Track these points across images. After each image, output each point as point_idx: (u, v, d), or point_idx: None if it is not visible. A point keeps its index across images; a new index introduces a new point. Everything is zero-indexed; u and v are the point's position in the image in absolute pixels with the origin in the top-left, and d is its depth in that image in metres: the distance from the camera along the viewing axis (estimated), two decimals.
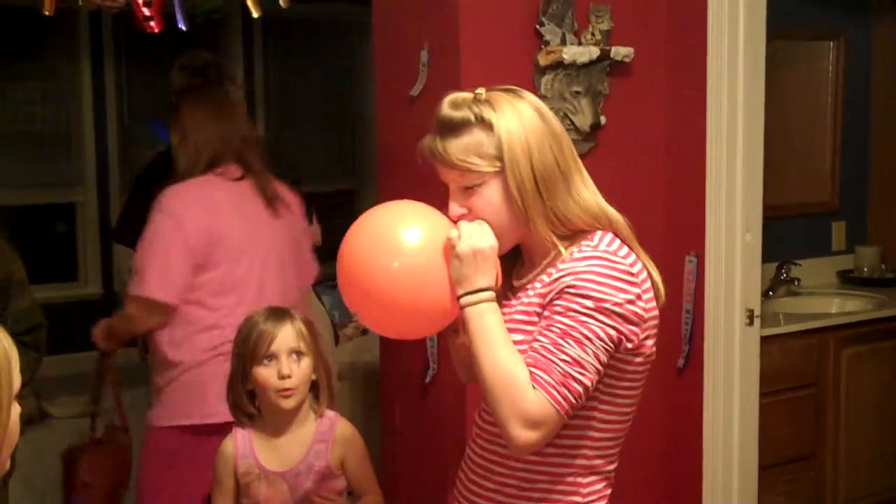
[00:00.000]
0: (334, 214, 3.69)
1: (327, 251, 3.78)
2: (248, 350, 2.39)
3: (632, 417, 1.83)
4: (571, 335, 1.66)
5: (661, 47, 3.35)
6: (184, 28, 3.23)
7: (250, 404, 2.43)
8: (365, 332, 5.07)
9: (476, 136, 1.73)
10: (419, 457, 3.51)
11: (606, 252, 1.72)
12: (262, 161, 3.14)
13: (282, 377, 2.35)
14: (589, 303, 1.67)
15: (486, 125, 1.73)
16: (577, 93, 3.15)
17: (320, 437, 2.43)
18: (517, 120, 1.73)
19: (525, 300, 1.78)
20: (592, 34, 3.18)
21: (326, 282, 5.75)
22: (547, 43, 3.10)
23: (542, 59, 3.09)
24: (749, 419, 3.33)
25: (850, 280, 4.40)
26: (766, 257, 3.51)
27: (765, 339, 3.40)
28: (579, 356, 1.66)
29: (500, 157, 1.73)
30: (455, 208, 1.79)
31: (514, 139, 1.72)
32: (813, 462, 3.75)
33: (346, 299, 1.82)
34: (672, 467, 3.51)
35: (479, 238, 1.72)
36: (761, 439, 3.39)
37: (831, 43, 4.35)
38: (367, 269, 1.74)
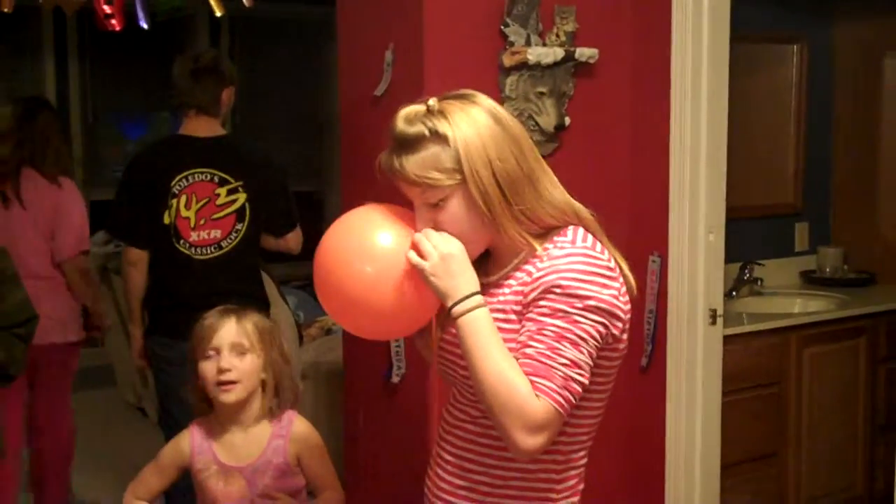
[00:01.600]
0: (300, 216, 3.68)
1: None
2: (194, 345, 2.42)
3: (603, 412, 1.84)
4: (567, 337, 1.65)
5: (625, 49, 3.37)
6: (145, 26, 3.20)
7: (203, 400, 2.44)
8: (329, 332, 5.07)
9: (432, 151, 1.71)
10: (383, 455, 3.50)
11: (585, 248, 1.71)
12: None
13: (220, 371, 2.35)
14: (577, 302, 1.66)
15: (441, 138, 1.70)
16: (542, 93, 3.15)
17: (278, 433, 2.43)
18: (473, 128, 1.70)
19: (501, 298, 1.77)
20: (557, 35, 3.19)
21: (291, 282, 5.77)
22: (511, 44, 3.11)
23: (507, 60, 3.09)
24: (711, 418, 3.35)
25: (812, 280, 4.44)
26: (730, 258, 3.54)
27: (727, 339, 3.42)
28: (576, 357, 1.65)
29: (459, 170, 1.70)
30: (422, 225, 1.76)
31: (471, 149, 1.70)
32: (775, 460, 3.77)
33: (323, 304, 1.81)
34: (635, 466, 3.52)
35: (443, 245, 1.71)
36: (724, 438, 3.41)
37: (794, 46, 4.38)
38: (342, 274, 1.74)
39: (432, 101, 1.75)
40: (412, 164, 1.71)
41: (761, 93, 4.33)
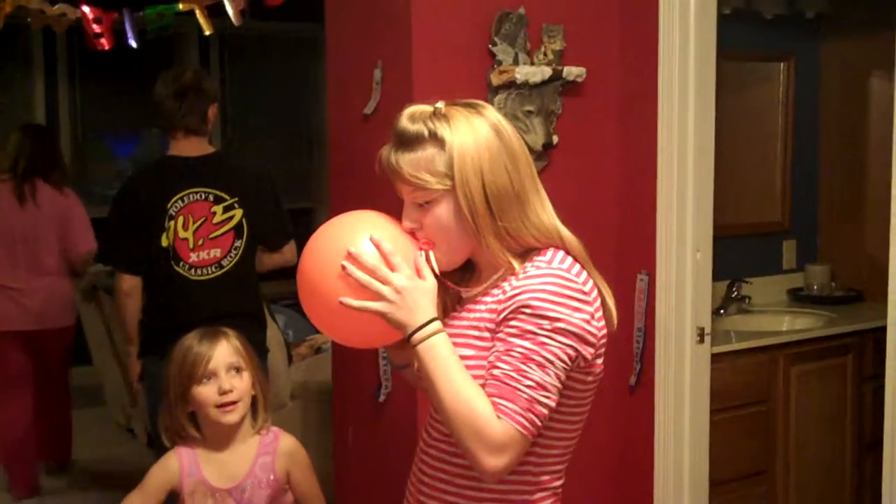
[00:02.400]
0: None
1: (281, 270, 3.78)
2: (185, 372, 2.39)
3: (578, 435, 1.83)
4: (533, 359, 1.64)
5: (613, 67, 3.38)
6: (134, 45, 3.22)
7: (191, 426, 2.42)
8: (318, 351, 5.06)
9: (428, 152, 1.71)
10: (372, 475, 3.50)
11: (560, 270, 1.70)
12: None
13: (223, 392, 2.35)
14: (546, 323, 1.65)
15: (438, 142, 1.71)
16: (530, 112, 3.16)
17: (265, 450, 2.43)
18: (471, 137, 1.71)
19: (476, 314, 1.76)
20: (545, 54, 3.20)
21: (280, 301, 5.75)
22: (499, 62, 3.12)
23: (495, 79, 3.11)
24: (700, 436, 3.35)
25: (800, 298, 4.45)
26: (718, 275, 3.54)
27: (716, 357, 3.42)
28: (542, 379, 1.64)
29: (450, 175, 1.70)
30: (408, 223, 1.77)
31: (465, 157, 1.70)
32: (763, 478, 3.77)
33: (307, 311, 1.80)
34: (624, 484, 3.52)
35: (396, 279, 1.69)
36: (712, 456, 3.41)
37: (781, 64, 4.41)
38: (325, 280, 1.73)
39: (440, 104, 1.76)
40: (406, 161, 1.72)
41: (749, 111, 4.35)
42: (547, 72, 3.15)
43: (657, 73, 3.24)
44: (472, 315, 1.77)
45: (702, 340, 3.29)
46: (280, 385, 4.27)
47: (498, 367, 1.66)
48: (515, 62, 3.14)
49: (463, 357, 1.71)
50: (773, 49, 4.40)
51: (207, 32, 3.22)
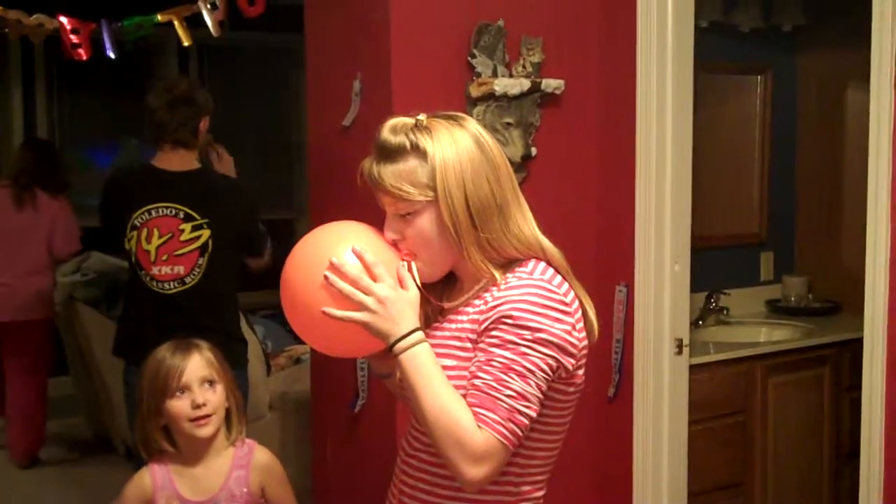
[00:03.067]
0: (272, 244, 3.70)
1: (260, 281, 3.78)
2: (158, 386, 2.37)
3: (560, 445, 1.83)
4: (514, 369, 1.64)
5: (591, 80, 3.40)
6: (112, 56, 3.20)
7: (164, 440, 2.41)
8: (297, 361, 5.05)
9: (410, 164, 1.72)
10: (350, 486, 3.49)
11: (542, 281, 1.71)
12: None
13: (196, 406, 2.34)
14: (527, 334, 1.66)
15: (420, 153, 1.71)
16: (509, 124, 3.17)
17: (238, 463, 2.42)
18: (453, 149, 1.71)
19: (457, 325, 1.76)
20: (524, 66, 3.21)
21: (258, 312, 5.74)
22: (478, 74, 3.13)
23: (474, 91, 3.11)
24: (678, 447, 3.36)
25: (778, 309, 4.47)
26: (696, 287, 3.55)
27: (694, 368, 3.43)
28: (524, 389, 1.65)
29: (432, 187, 1.71)
30: (390, 234, 1.77)
31: (448, 169, 1.70)
32: (741, 489, 3.78)
33: (290, 320, 1.80)
34: (603, 495, 3.52)
35: (378, 289, 1.69)
36: (690, 467, 3.42)
37: (758, 77, 4.43)
38: (307, 290, 1.73)
39: (422, 116, 1.77)
40: (389, 173, 1.72)
41: (726, 123, 4.37)
42: (526, 84, 3.16)
43: (635, 86, 3.26)
44: (453, 326, 1.78)
45: (680, 352, 3.30)
46: (258, 396, 4.26)
47: (479, 378, 1.66)
48: (494, 74, 3.15)
49: (444, 367, 1.71)
50: (751, 62, 4.43)
51: (186, 43, 3.20)
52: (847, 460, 3.99)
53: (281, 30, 5.06)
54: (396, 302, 1.70)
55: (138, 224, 3.39)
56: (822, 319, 4.30)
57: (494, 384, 1.65)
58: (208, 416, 2.36)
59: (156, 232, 3.38)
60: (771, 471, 3.84)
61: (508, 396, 1.64)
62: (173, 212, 3.39)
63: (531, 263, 1.75)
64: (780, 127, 4.50)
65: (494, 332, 1.68)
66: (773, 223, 4.54)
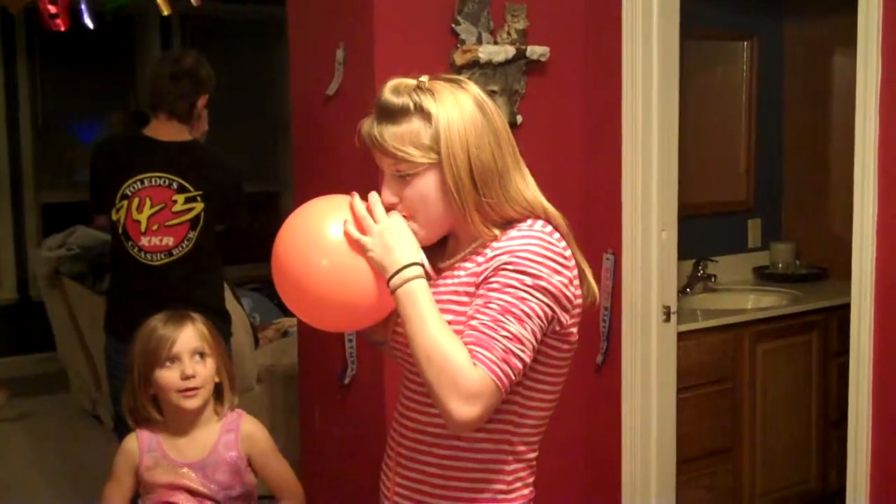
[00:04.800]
0: (257, 217, 3.67)
1: (248, 254, 3.77)
2: (148, 355, 2.38)
3: (554, 406, 1.82)
4: (512, 311, 1.64)
5: (577, 46, 3.37)
6: (91, 26, 3.16)
7: (153, 409, 2.40)
8: (284, 334, 5.04)
9: (413, 126, 1.71)
10: (340, 457, 3.49)
11: (542, 233, 1.71)
12: None
13: (185, 377, 2.34)
14: (528, 279, 1.65)
15: (424, 115, 1.71)
16: (494, 92, 3.15)
17: (227, 428, 2.43)
18: (457, 113, 1.71)
19: (455, 280, 1.76)
20: (508, 33, 3.19)
21: (246, 285, 5.73)
22: (463, 42, 3.10)
23: (459, 59, 3.09)
24: (667, 414, 3.36)
25: (765, 276, 4.47)
26: (684, 255, 3.55)
27: (682, 335, 3.43)
28: (520, 332, 1.64)
29: (435, 149, 1.70)
30: (388, 195, 1.76)
31: (452, 132, 1.70)
32: (730, 455, 3.80)
33: (283, 299, 1.79)
34: (592, 462, 3.53)
35: (382, 219, 1.71)
36: (679, 434, 3.42)
37: (745, 43, 4.41)
38: (298, 269, 1.72)
39: (424, 78, 1.76)
40: (391, 134, 1.71)
41: (713, 90, 4.36)
42: (510, 51, 3.14)
43: (621, 52, 3.24)
44: (450, 282, 1.77)
45: (668, 319, 3.30)
46: (247, 369, 4.25)
47: (476, 318, 1.66)
48: (479, 42, 3.12)
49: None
50: (737, 28, 4.41)
51: (165, 13, 3.16)
52: (835, 426, 4.01)
53: (264, 1, 5.02)
54: (397, 231, 1.71)
55: (129, 193, 3.36)
56: (810, 285, 4.31)
57: (492, 324, 1.64)
58: (196, 388, 2.36)
59: (148, 201, 3.35)
60: (759, 437, 3.85)
61: (504, 337, 1.63)
62: (167, 182, 3.36)
63: (530, 220, 1.75)
64: (766, 93, 4.49)
65: (494, 279, 1.68)
66: (760, 190, 4.54)
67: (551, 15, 3.29)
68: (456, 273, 1.78)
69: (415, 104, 1.71)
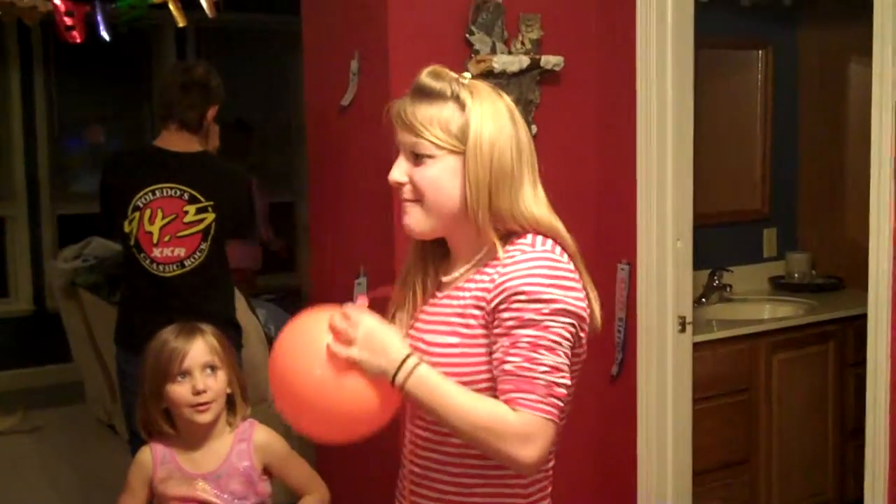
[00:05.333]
0: (274, 227, 3.68)
1: (268, 265, 3.78)
2: (160, 369, 2.36)
3: (567, 415, 1.82)
4: (541, 344, 1.64)
5: (591, 56, 3.37)
6: (107, 38, 3.18)
7: (165, 422, 2.40)
8: None
9: (446, 111, 1.72)
10: (354, 467, 3.48)
11: (545, 252, 1.71)
12: None
13: (196, 392, 2.33)
14: (544, 307, 1.65)
15: (459, 104, 1.72)
16: None
17: (240, 438, 2.42)
18: (491, 112, 1.73)
19: (459, 301, 1.75)
20: (522, 43, 3.19)
21: (261, 295, 5.73)
22: (477, 52, 3.10)
23: (473, 68, 3.09)
24: (682, 425, 3.35)
25: (781, 286, 4.45)
26: (699, 264, 3.54)
27: (697, 346, 3.42)
28: (555, 362, 1.65)
29: (461, 139, 1.71)
30: (397, 173, 1.76)
31: (483, 127, 1.71)
32: (747, 467, 3.78)
33: (283, 413, 1.78)
34: (607, 473, 3.51)
35: (359, 324, 1.69)
36: (695, 445, 3.41)
37: (759, 52, 4.40)
38: (293, 380, 1.72)
39: (467, 74, 1.80)
40: (422, 112, 1.72)
41: (728, 99, 4.35)
42: (525, 61, 3.14)
43: (635, 61, 3.23)
44: (454, 302, 1.76)
45: (683, 329, 3.29)
46: (261, 379, 4.23)
47: (508, 361, 1.66)
48: (493, 51, 3.12)
49: (447, 345, 1.72)
50: (752, 37, 4.40)
51: (181, 24, 3.18)
52: (852, 437, 3.98)
53: (279, 11, 5.03)
54: (377, 330, 1.69)
55: (141, 205, 3.36)
56: (826, 295, 4.29)
57: (526, 364, 1.64)
58: (208, 402, 2.35)
59: (160, 213, 3.36)
60: (776, 448, 3.83)
61: (543, 373, 1.64)
62: (178, 192, 3.37)
63: (529, 236, 1.75)
64: (781, 102, 4.47)
65: (509, 313, 1.67)
66: (775, 199, 4.52)
67: (565, 25, 3.29)
68: (459, 294, 1.77)
69: (452, 92, 1.73)
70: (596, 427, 3.46)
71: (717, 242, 4.23)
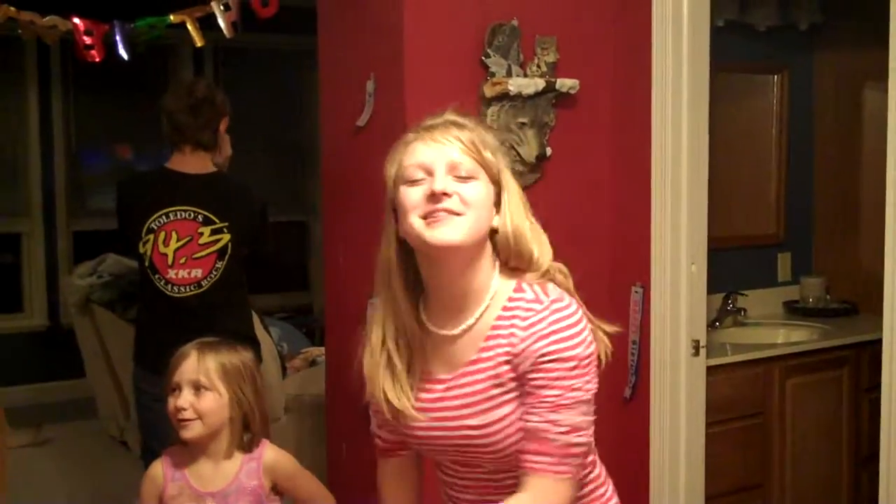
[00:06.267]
0: (286, 246, 3.69)
1: (277, 283, 3.79)
2: (166, 380, 2.41)
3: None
4: (562, 404, 1.68)
5: (606, 79, 3.38)
6: (126, 57, 3.20)
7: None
8: (312, 363, 5.05)
9: (489, 140, 1.76)
10: (366, 488, 3.47)
11: (557, 303, 1.71)
12: None
13: (175, 408, 2.35)
14: (570, 364, 1.68)
15: (492, 147, 1.77)
16: (523, 124, 3.16)
17: (250, 457, 2.42)
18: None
19: (489, 372, 1.73)
20: (538, 66, 3.19)
21: (275, 314, 5.74)
22: (493, 74, 3.11)
23: (488, 91, 3.10)
24: (695, 449, 3.33)
25: (795, 310, 4.43)
26: (713, 288, 3.53)
27: (711, 370, 3.41)
28: (574, 422, 1.68)
29: (500, 170, 1.75)
30: (445, 183, 1.69)
31: (505, 164, 1.78)
32: (759, 492, 3.75)
33: None
34: (619, 497, 3.49)
35: None
36: (708, 469, 3.39)
37: (775, 76, 4.40)
38: None
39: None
40: (467, 136, 1.73)
41: (743, 123, 4.35)
42: (540, 83, 3.15)
43: (650, 85, 3.24)
44: (485, 374, 1.74)
45: (697, 353, 3.28)
46: (274, 398, 4.25)
47: (531, 422, 1.69)
48: (508, 74, 3.13)
49: (504, 416, 1.72)
50: (767, 61, 4.40)
51: (199, 44, 3.20)
52: (866, 463, 3.95)
53: (297, 31, 5.06)
54: None
55: (155, 228, 3.37)
56: (841, 320, 4.27)
57: (545, 426, 1.68)
58: (189, 420, 2.36)
59: (174, 235, 3.37)
60: (789, 473, 3.81)
61: (560, 433, 1.67)
62: (192, 215, 3.38)
63: (528, 290, 1.74)
64: (797, 126, 4.47)
65: (536, 375, 1.69)
66: (790, 224, 4.51)
67: (581, 48, 3.30)
68: (484, 364, 1.74)
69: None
70: (608, 449, 3.43)
71: (732, 266, 4.22)
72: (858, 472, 3.99)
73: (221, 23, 3.36)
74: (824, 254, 4.60)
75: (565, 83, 3.21)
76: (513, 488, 1.73)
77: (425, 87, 3.04)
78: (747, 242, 4.39)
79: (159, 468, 2.44)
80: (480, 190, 1.71)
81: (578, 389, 1.68)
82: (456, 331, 1.76)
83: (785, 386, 3.78)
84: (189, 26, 3.39)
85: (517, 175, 1.88)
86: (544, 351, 1.67)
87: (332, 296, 3.71)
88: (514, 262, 1.76)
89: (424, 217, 1.68)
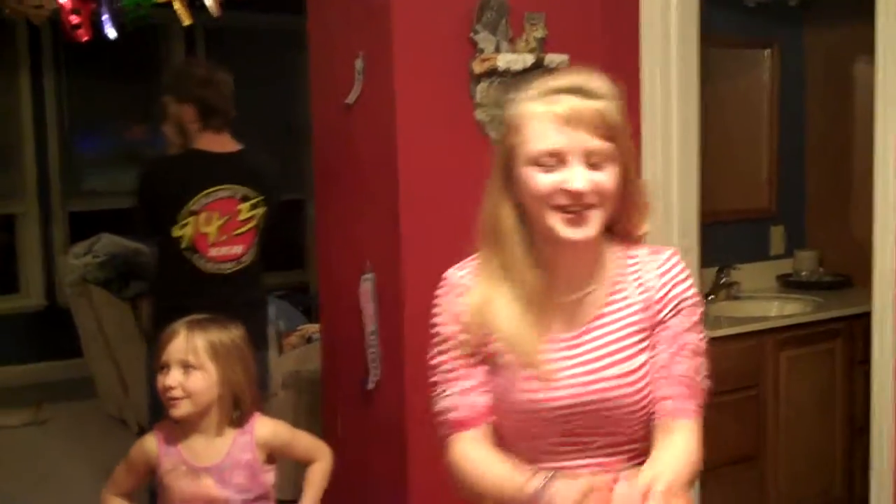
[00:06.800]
0: (283, 224, 3.72)
1: (273, 262, 3.79)
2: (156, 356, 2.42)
3: None
4: (700, 349, 1.74)
5: (595, 55, 3.36)
6: (112, 36, 3.19)
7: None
8: (309, 340, 5.06)
9: (618, 107, 1.69)
10: (363, 463, 3.50)
11: (674, 255, 1.78)
12: None
13: (162, 387, 2.35)
14: (701, 309, 1.77)
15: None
16: (513, 100, 3.14)
17: (242, 432, 2.43)
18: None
19: (627, 320, 1.73)
20: (527, 42, 3.19)
21: (271, 292, 5.74)
22: (481, 51, 3.11)
23: (477, 67, 3.09)
24: None
25: (788, 283, 4.45)
26: (707, 262, 3.54)
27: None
28: (707, 366, 1.75)
29: (628, 137, 1.70)
30: (584, 180, 1.62)
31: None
32: (755, 463, 3.78)
33: None
34: None
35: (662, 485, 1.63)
36: (703, 441, 3.40)
37: (766, 51, 4.40)
38: None
39: None
40: (599, 112, 1.64)
41: (734, 97, 4.34)
42: (529, 59, 3.14)
43: (639, 60, 3.24)
44: (618, 325, 1.73)
45: None
46: (270, 375, 4.26)
47: (677, 366, 1.72)
48: (497, 50, 3.12)
49: (643, 364, 1.71)
50: (757, 36, 4.39)
51: (186, 23, 3.19)
52: (860, 433, 3.97)
53: (286, 10, 5.06)
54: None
55: (196, 209, 3.40)
56: (834, 293, 4.28)
57: (692, 374, 1.73)
58: (177, 399, 2.36)
59: (216, 214, 3.42)
60: (783, 444, 3.83)
61: (702, 378, 1.75)
62: (231, 193, 3.44)
63: (639, 247, 1.77)
64: (788, 101, 4.47)
65: (677, 318, 1.72)
66: (782, 197, 4.52)
67: (570, 23, 3.29)
68: (620, 313, 1.73)
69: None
70: None
71: (725, 240, 4.23)
72: (853, 442, 4.01)
73: (207, 1, 3.35)
74: (817, 227, 4.60)
75: (554, 59, 3.20)
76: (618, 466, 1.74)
77: (414, 64, 3.03)
78: (740, 216, 4.41)
79: (153, 442, 2.45)
80: (614, 176, 1.64)
81: (703, 333, 1.75)
82: (578, 294, 1.73)
83: (779, 358, 3.79)
84: (176, 5, 3.39)
85: None
86: (686, 295, 1.73)
87: (324, 273, 3.72)
88: (623, 224, 1.75)
89: (557, 208, 1.63)
